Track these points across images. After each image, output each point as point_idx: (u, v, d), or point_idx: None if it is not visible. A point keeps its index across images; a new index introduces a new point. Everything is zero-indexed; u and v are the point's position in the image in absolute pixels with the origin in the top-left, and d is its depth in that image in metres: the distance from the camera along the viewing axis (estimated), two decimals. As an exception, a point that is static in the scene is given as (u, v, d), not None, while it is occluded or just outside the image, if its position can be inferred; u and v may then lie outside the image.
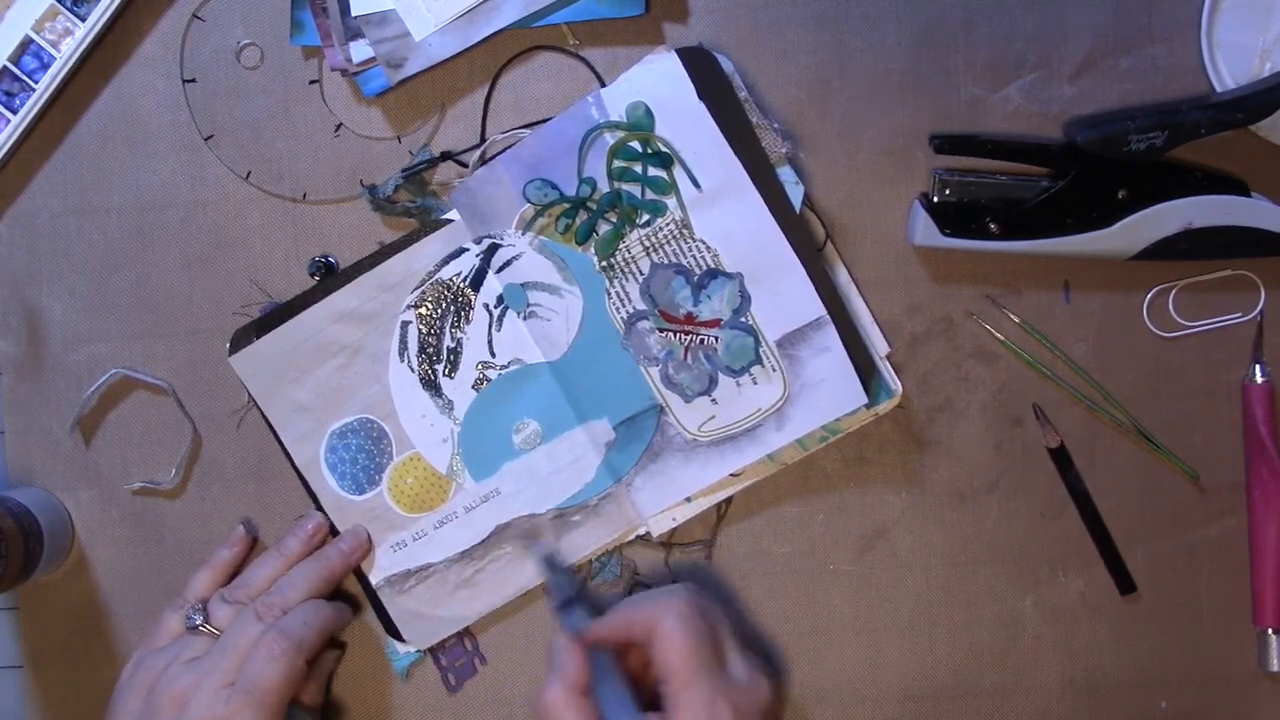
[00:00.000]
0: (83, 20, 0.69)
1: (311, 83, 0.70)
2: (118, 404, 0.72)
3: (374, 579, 0.70)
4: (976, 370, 0.70)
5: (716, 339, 0.68)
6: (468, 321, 0.69)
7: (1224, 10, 0.68)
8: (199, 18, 0.70)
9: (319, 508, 0.70)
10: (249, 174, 0.71)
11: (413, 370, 0.70)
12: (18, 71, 0.69)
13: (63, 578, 0.72)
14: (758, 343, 0.68)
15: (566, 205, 0.68)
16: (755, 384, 0.68)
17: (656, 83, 0.67)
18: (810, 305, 0.67)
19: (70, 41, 0.69)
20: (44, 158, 0.71)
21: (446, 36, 0.68)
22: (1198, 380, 0.70)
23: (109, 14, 0.69)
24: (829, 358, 0.68)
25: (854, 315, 0.69)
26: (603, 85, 0.69)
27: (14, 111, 0.69)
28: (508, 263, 0.69)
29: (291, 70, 0.70)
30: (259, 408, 0.70)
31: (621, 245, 0.68)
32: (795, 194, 0.68)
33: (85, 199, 0.71)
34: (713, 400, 0.68)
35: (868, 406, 0.68)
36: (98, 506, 0.72)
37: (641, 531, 0.70)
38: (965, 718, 0.71)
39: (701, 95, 0.67)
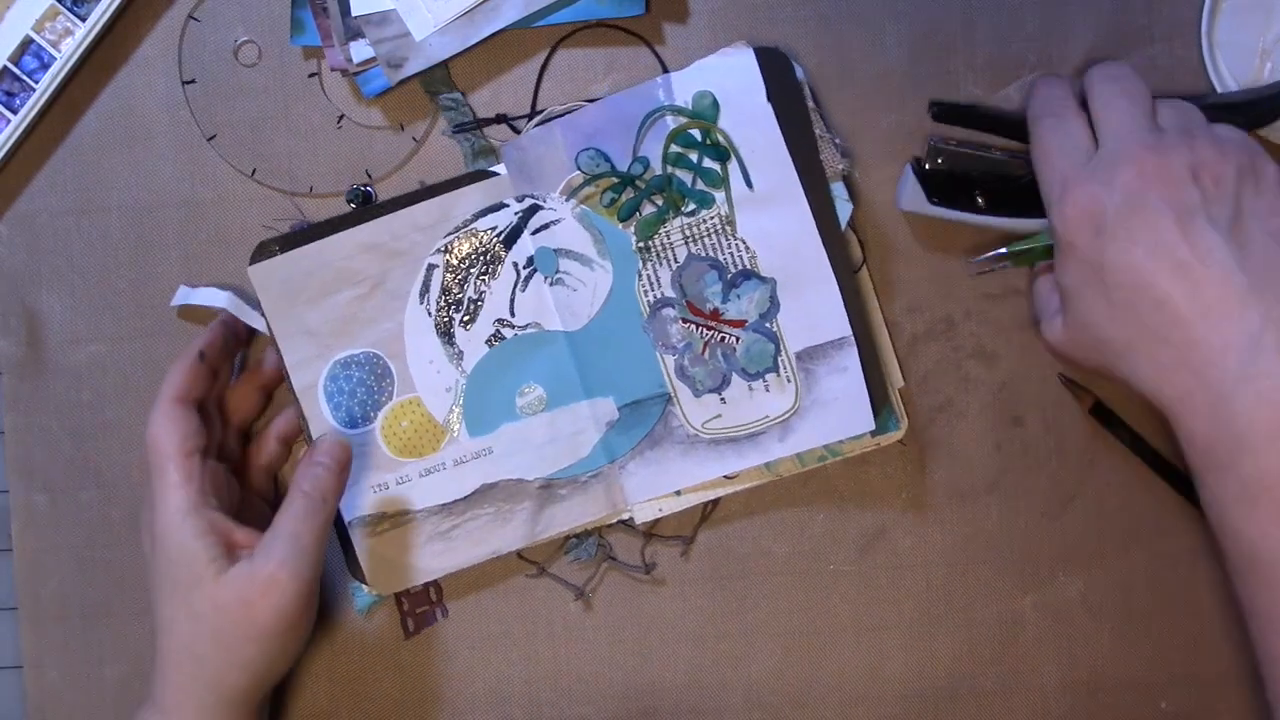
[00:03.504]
0: (83, 20, 0.69)
1: (310, 76, 0.70)
2: (118, 405, 0.72)
3: (347, 516, 0.70)
4: (976, 370, 0.70)
5: (738, 339, 0.68)
6: (494, 277, 0.69)
7: (1224, 10, 0.68)
8: (195, 18, 0.70)
9: (307, 435, 0.69)
10: (254, 171, 0.71)
11: (430, 314, 0.69)
12: (18, 71, 0.69)
13: (63, 578, 0.72)
14: (778, 351, 0.68)
15: (615, 180, 0.68)
16: (767, 391, 0.68)
17: (728, 76, 0.67)
18: (837, 323, 0.67)
19: (70, 41, 0.69)
20: (44, 158, 0.71)
21: (446, 36, 0.68)
22: (1198, 380, 0.70)
23: (109, 14, 0.69)
24: (845, 379, 0.67)
25: (876, 343, 0.69)
26: (665, 70, 0.69)
27: (14, 111, 0.69)
28: (545, 226, 0.68)
29: (290, 66, 0.70)
30: (267, 323, 0.69)
31: (662, 230, 0.68)
32: (844, 211, 0.68)
33: (85, 199, 0.71)
34: (722, 399, 0.68)
35: (873, 434, 0.68)
36: (97, 506, 0.72)
37: (625, 516, 0.70)
38: (965, 718, 0.71)
39: (771, 97, 0.67)
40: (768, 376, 0.68)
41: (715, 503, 0.71)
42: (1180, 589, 0.70)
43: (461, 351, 0.69)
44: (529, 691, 0.72)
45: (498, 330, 0.69)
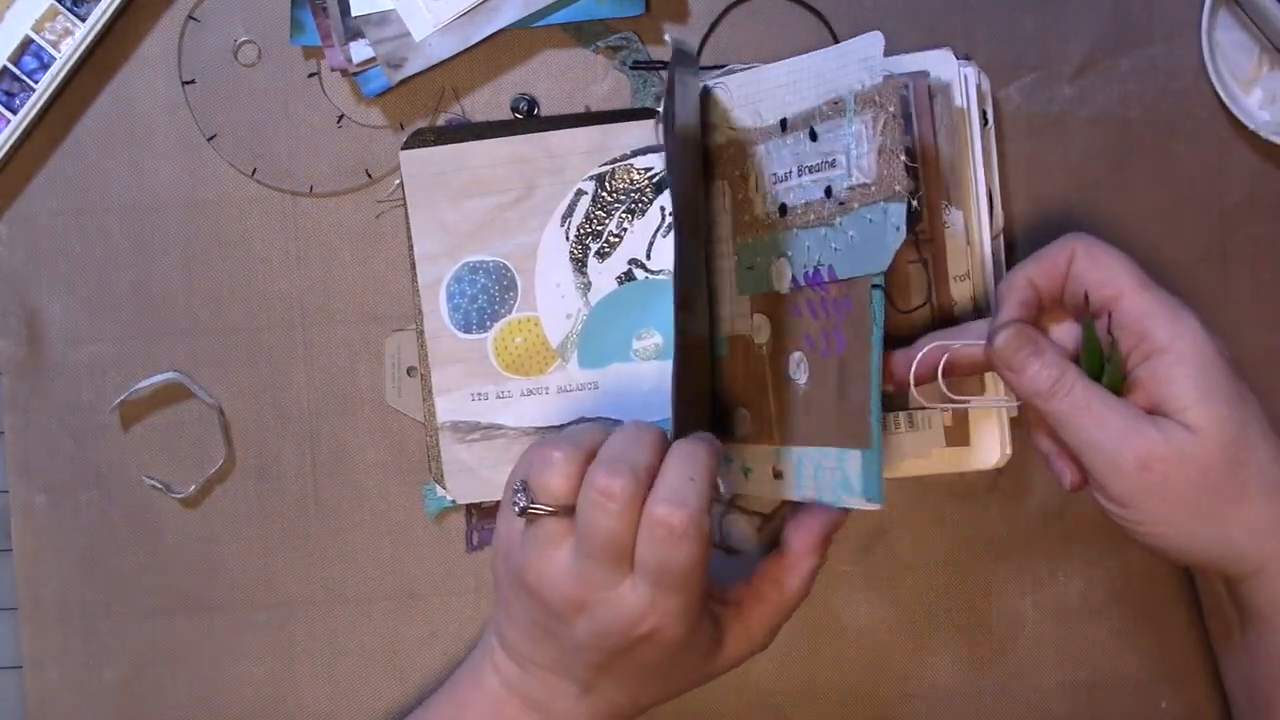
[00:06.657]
0: (83, 20, 0.69)
1: (310, 76, 0.70)
2: (117, 408, 0.72)
3: (440, 418, 0.69)
4: (976, 370, 0.70)
5: None
6: (639, 217, 0.69)
7: (1224, 10, 0.68)
8: (194, 18, 0.70)
9: (419, 330, 0.69)
10: (254, 171, 0.71)
11: (567, 239, 0.69)
12: (18, 71, 0.69)
13: (63, 578, 0.72)
14: None
15: None
16: None
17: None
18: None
19: (70, 41, 0.69)
20: (44, 158, 0.71)
21: (446, 36, 0.69)
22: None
23: (109, 14, 0.69)
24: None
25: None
26: (834, 38, 0.68)
27: (14, 111, 0.69)
28: None
29: (290, 66, 0.70)
30: (405, 210, 0.69)
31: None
32: (895, 240, 0.57)
33: (85, 199, 0.71)
34: None
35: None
36: (98, 506, 0.72)
37: None
38: (965, 717, 0.71)
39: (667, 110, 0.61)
40: None
41: None
42: (1179, 589, 0.70)
43: (590, 282, 0.69)
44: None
45: (630, 270, 0.69)
